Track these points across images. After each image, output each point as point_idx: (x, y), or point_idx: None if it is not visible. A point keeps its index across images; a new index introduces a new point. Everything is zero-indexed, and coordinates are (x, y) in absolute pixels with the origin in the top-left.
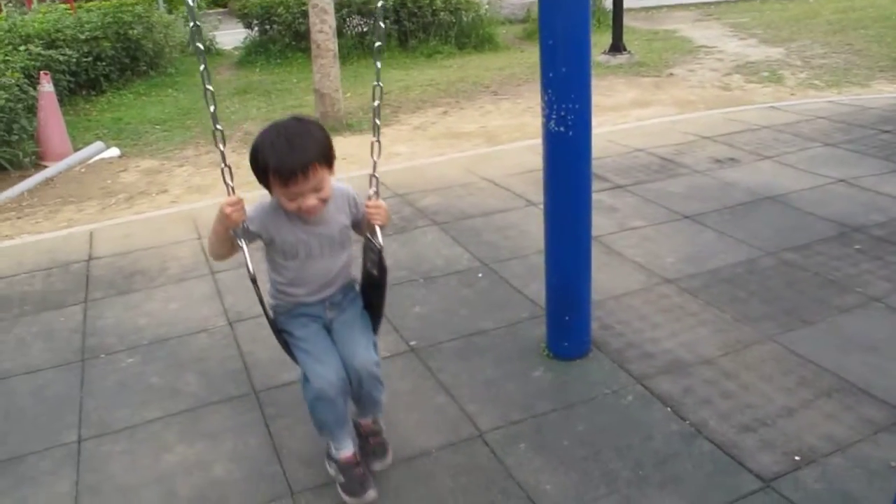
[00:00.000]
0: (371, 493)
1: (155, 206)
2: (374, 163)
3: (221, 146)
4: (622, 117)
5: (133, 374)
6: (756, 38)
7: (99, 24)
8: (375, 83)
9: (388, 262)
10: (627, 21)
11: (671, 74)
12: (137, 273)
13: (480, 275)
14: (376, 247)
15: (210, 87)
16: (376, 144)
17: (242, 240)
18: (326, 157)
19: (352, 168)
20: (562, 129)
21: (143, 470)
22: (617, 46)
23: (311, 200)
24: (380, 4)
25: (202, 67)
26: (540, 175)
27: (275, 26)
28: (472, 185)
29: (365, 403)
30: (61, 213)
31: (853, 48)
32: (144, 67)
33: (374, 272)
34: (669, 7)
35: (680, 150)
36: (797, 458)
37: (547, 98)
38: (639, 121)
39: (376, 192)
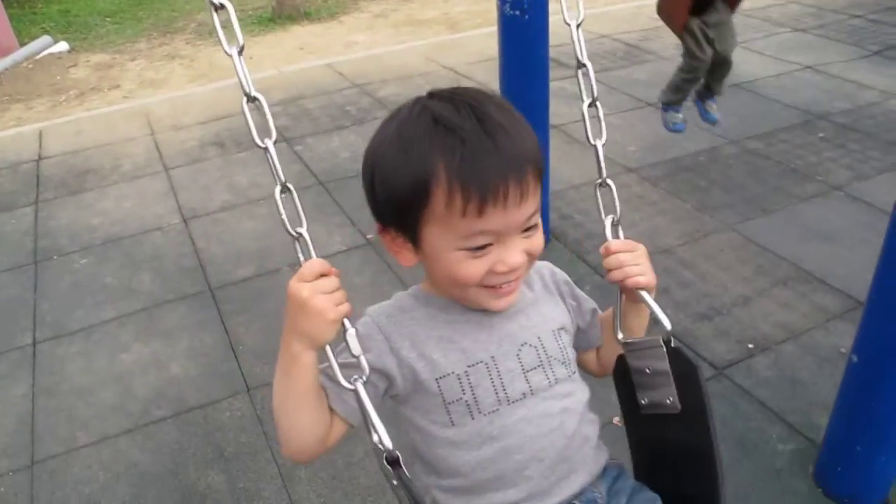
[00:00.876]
0: None
1: (107, 101)
2: (599, 163)
3: (281, 176)
4: (589, 2)
5: (87, 274)
6: None
7: None
8: None
9: (346, 154)
10: None
11: None
12: (89, 172)
13: None
14: (661, 343)
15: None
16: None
17: (362, 388)
18: (541, 170)
19: (310, 58)
20: (517, 12)
21: (99, 370)
22: None
23: (518, 256)
24: None
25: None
26: None
27: None
28: (432, 73)
29: None
30: (9, 112)
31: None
32: None
33: (677, 403)
34: None
35: (646, 36)
36: (751, 345)
37: None
38: (606, 6)
39: (616, 224)
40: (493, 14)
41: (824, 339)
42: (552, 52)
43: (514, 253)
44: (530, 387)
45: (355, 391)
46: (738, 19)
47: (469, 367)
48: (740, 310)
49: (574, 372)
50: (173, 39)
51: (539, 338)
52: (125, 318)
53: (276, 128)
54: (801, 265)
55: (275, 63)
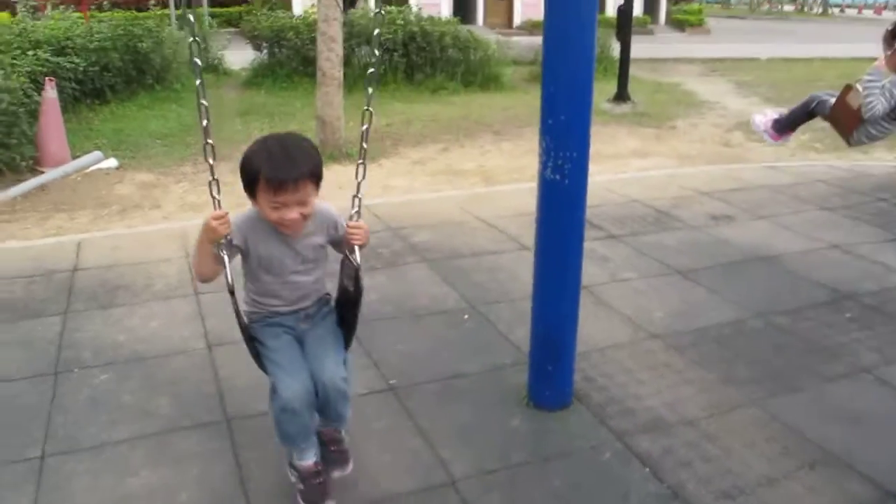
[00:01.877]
0: (330, 503)
1: (147, 220)
2: (358, 184)
3: (211, 160)
4: (622, 166)
5: (105, 391)
6: (759, 96)
7: (109, 34)
8: (366, 108)
9: (375, 296)
10: (633, 71)
11: (673, 127)
12: (121, 287)
13: (466, 316)
14: (354, 265)
15: (204, 102)
16: (361, 167)
17: (225, 253)
18: (316, 176)
19: (348, 198)
20: (557, 177)
21: (104, 492)
22: (621, 95)
23: (294, 213)
24: (376, 32)
25: (198, 82)
26: (535, 219)
27: (283, 50)
28: (465, 223)
29: (330, 416)
30: (52, 221)
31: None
32: (151, 81)
33: (350, 289)
34: (675, 60)
35: (676, 204)
36: None
37: (545, 145)
38: (638, 171)
39: (358, 213)
40: (529, 170)
41: None
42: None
43: (291, 213)
44: (295, 270)
45: (222, 252)
46: (766, 194)
47: (272, 254)
48: (765, 490)
49: (321, 265)
50: (218, 166)
51: (308, 249)
52: (137, 441)
53: None
54: (828, 448)
55: None
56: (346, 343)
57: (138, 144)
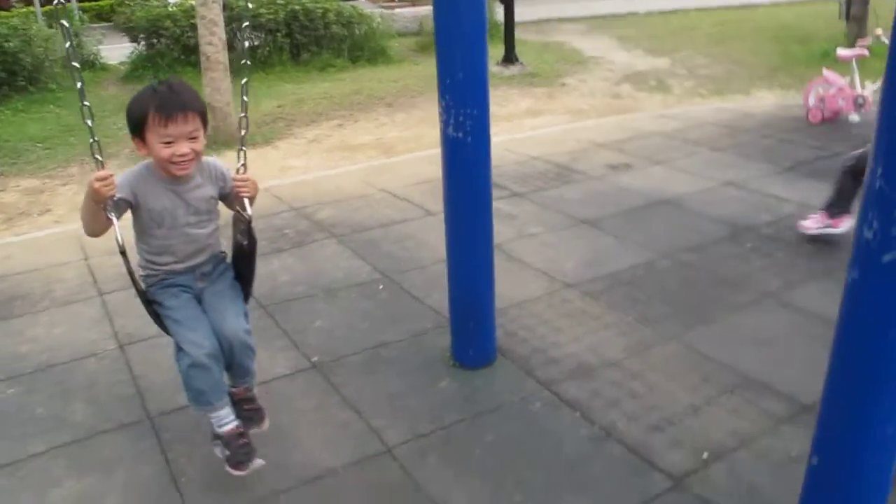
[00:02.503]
0: (257, 461)
1: (37, 226)
2: (243, 136)
3: (90, 122)
4: (517, 126)
5: (15, 405)
6: (642, 49)
7: None
8: (244, 61)
9: (286, 277)
10: (518, 33)
11: (563, 84)
12: (18, 298)
13: (381, 286)
14: (245, 218)
15: (87, 103)
16: (244, 120)
17: (113, 214)
18: (203, 115)
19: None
20: (460, 134)
21: None
22: (509, 57)
23: (185, 147)
24: (245, 24)
25: (79, 85)
26: (438, 185)
27: (162, 40)
28: (369, 196)
29: (237, 372)
30: None
31: (732, 58)
32: (23, 82)
33: (244, 243)
34: (559, 20)
35: (575, 157)
36: (705, 455)
37: (444, 104)
38: (533, 129)
39: (244, 166)
40: (425, 139)
41: (775, 443)
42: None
43: (182, 146)
44: (188, 222)
45: (110, 214)
46: (659, 140)
47: (163, 206)
48: (691, 419)
49: (213, 219)
50: (107, 164)
51: (200, 201)
52: (56, 451)
53: None
54: (745, 372)
55: None
56: (246, 297)
57: (17, 150)
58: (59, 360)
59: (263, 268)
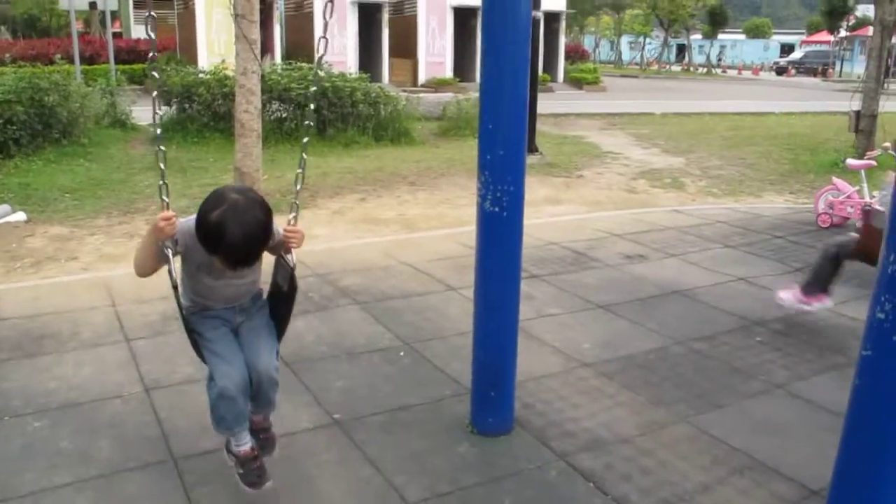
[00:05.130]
0: (268, 484)
1: (64, 271)
2: (297, 192)
3: (162, 165)
4: (536, 213)
5: (41, 437)
6: (658, 147)
7: (13, 87)
8: (307, 123)
9: (310, 337)
10: (538, 125)
11: (581, 176)
12: (47, 336)
13: (402, 353)
14: (289, 266)
15: (163, 148)
16: (300, 175)
17: (170, 251)
18: (269, 241)
19: None
20: (496, 209)
21: None
22: (530, 147)
23: (245, 270)
24: (313, 89)
25: (158, 131)
26: (459, 262)
27: (194, 105)
28: (391, 268)
29: (261, 402)
30: None
31: (745, 162)
32: (57, 135)
33: (284, 288)
34: (577, 115)
35: (592, 245)
36: None
37: (483, 179)
38: (552, 217)
39: (295, 218)
40: (447, 218)
41: None
42: None
43: (242, 271)
44: (233, 275)
45: (167, 249)
46: (673, 234)
47: (211, 262)
48: (702, 496)
49: (257, 270)
50: (133, 219)
51: None
52: (81, 484)
53: None
54: (754, 455)
55: None
56: (279, 335)
57: (46, 199)
58: (85, 399)
59: (289, 327)
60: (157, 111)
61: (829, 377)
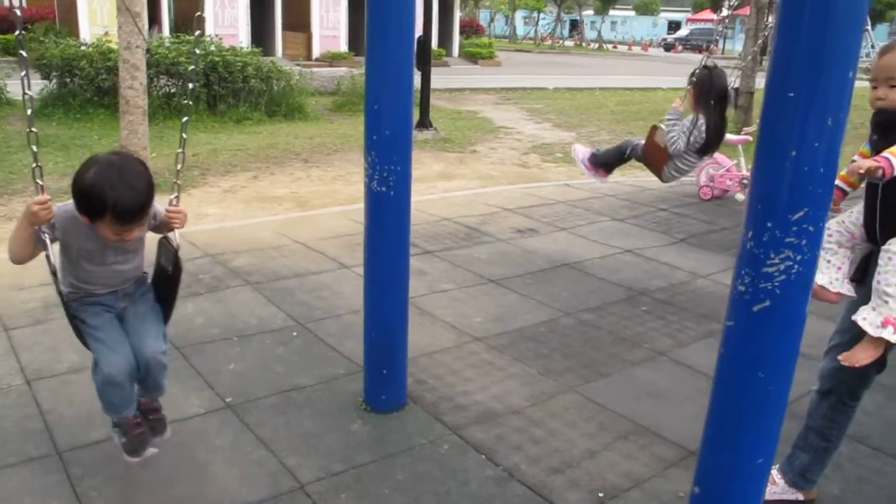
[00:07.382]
0: (150, 450)
1: None
2: (178, 171)
3: (34, 147)
4: (429, 188)
5: None
6: (550, 122)
7: None
8: (185, 101)
9: (201, 320)
10: (432, 100)
11: (474, 151)
12: None
13: (295, 333)
14: (173, 247)
15: (34, 129)
16: (181, 155)
17: (48, 236)
18: (154, 195)
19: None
20: (384, 188)
21: None
22: (424, 122)
23: (133, 234)
24: (191, 68)
25: (28, 112)
26: (352, 239)
27: (76, 80)
28: (284, 247)
29: (149, 387)
30: None
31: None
32: None
33: (169, 269)
34: (471, 90)
35: (484, 220)
36: (601, 494)
37: (370, 159)
38: (445, 192)
39: (177, 198)
40: (341, 195)
41: (665, 484)
42: None
43: (130, 235)
44: (115, 261)
45: (44, 235)
46: (563, 208)
47: (92, 247)
48: (588, 462)
49: (140, 252)
50: (11, 201)
51: (129, 243)
52: None
53: None
54: (638, 421)
55: None
56: (166, 318)
57: None
58: None
59: (178, 310)
60: (27, 91)
61: (706, 343)
